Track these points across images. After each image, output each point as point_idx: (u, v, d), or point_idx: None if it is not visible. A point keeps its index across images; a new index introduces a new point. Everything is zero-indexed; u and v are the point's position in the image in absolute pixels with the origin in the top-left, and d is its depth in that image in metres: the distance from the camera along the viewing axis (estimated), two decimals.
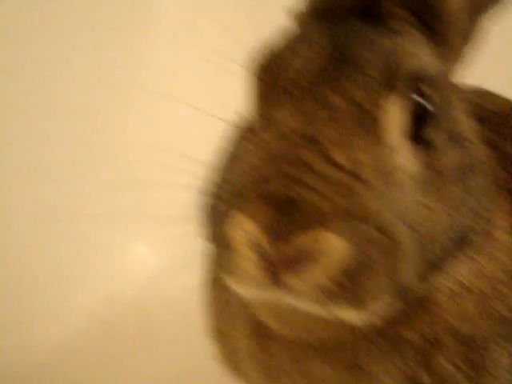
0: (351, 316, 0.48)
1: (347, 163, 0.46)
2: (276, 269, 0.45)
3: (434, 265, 0.54)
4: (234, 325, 0.69)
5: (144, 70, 1.52)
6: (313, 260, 0.44)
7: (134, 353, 1.29)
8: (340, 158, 0.46)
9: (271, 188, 0.45)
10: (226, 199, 0.50)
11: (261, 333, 0.64)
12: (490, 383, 0.61)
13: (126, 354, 1.29)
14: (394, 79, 0.50)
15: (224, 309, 0.71)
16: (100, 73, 1.41)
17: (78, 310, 1.35)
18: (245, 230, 0.46)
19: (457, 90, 0.61)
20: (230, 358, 0.73)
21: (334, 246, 0.44)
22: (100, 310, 1.36)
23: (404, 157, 0.50)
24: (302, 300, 0.47)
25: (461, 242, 0.57)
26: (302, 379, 0.63)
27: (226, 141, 0.59)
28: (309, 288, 0.45)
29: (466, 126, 0.59)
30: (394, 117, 0.50)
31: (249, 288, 0.49)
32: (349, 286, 0.45)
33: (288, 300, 0.48)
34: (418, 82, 0.52)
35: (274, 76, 0.52)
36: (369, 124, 0.49)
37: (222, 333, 0.73)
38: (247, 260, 0.46)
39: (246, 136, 0.53)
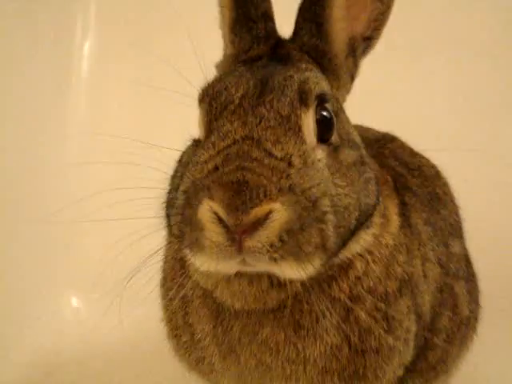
0: (295, 271, 0.65)
1: (282, 155, 0.66)
2: (237, 235, 0.62)
3: (350, 233, 0.73)
4: (194, 315, 0.83)
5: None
6: (264, 225, 0.62)
7: None
8: (277, 152, 0.66)
9: (230, 178, 0.64)
10: (192, 192, 0.67)
11: (219, 314, 0.79)
12: (396, 330, 0.80)
13: None
14: (307, 99, 0.71)
15: (181, 304, 0.85)
16: None
17: (16, 364, 1.38)
18: (211, 210, 0.63)
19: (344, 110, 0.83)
20: (191, 350, 0.85)
21: (278, 213, 0.62)
22: (38, 362, 1.41)
23: (318, 151, 0.71)
24: (258, 259, 0.63)
25: (367, 217, 0.77)
26: (259, 349, 0.78)
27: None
28: (262, 246, 0.62)
29: (355, 134, 0.81)
30: (309, 124, 0.71)
31: (214, 261, 0.65)
32: (290, 241, 0.63)
33: (248, 261, 0.64)
34: (322, 101, 0.73)
35: (221, 101, 0.72)
36: (294, 129, 0.70)
37: (180, 326, 0.86)
38: (215, 233, 0.63)
39: (199, 149, 0.71)
